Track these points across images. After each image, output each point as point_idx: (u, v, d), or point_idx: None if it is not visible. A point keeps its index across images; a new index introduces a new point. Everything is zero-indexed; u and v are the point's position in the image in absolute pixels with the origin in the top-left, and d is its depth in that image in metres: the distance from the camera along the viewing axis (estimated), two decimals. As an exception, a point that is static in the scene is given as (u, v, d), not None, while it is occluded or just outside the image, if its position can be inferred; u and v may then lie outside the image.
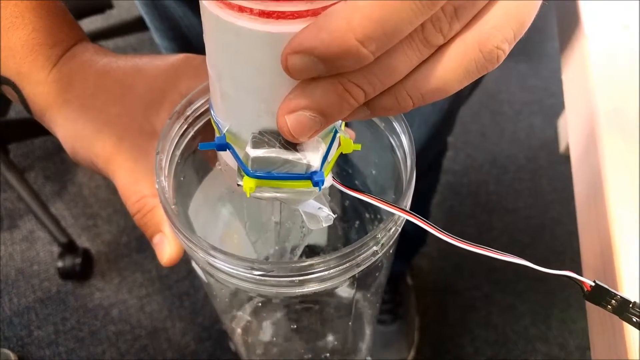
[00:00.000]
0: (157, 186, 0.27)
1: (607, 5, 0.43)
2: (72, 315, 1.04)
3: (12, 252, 1.12)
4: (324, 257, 0.24)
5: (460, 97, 0.60)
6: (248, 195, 0.23)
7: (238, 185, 0.23)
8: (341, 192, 0.38)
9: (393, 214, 0.26)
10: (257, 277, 0.24)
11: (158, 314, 1.04)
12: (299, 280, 0.24)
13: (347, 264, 0.25)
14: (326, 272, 0.24)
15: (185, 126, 0.29)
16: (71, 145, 0.31)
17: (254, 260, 0.24)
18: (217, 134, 0.24)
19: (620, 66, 0.40)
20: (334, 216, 0.26)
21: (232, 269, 0.25)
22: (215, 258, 0.25)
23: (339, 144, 0.25)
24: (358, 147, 0.25)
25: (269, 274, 0.24)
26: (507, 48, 0.19)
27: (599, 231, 0.34)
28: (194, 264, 0.30)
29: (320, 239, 0.38)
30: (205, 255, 0.25)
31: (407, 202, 0.27)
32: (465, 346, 1.01)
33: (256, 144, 0.21)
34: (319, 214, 0.25)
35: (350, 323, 0.42)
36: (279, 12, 0.18)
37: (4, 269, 1.09)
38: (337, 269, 0.25)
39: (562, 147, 1.24)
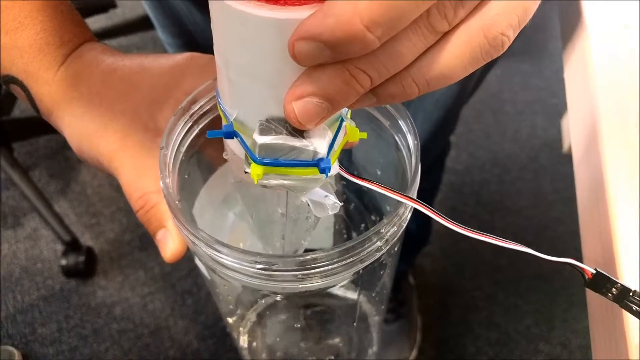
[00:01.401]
0: (161, 181, 0.27)
1: (610, 5, 0.43)
2: (75, 313, 1.04)
3: (16, 250, 1.12)
4: (328, 251, 0.24)
5: (463, 94, 0.60)
6: (255, 182, 0.23)
7: (245, 172, 0.23)
8: (345, 196, 0.38)
9: (396, 211, 0.26)
10: (260, 271, 0.25)
11: (161, 312, 1.04)
12: (302, 275, 0.24)
13: (351, 259, 0.25)
14: (330, 267, 0.24)
15: (190, 123, 0.29)
16: (77, 142, 0.31)
17: (257, 253, 0.24)
18: (224, 122, 0.24)
19: (623, 66, 0.40)
20: (340, 204, 0.26)
21: (236, 263, 0.25)
22: (218, 252, 0.25)
23: (345, 133, 0.25)
24: (364, 135, 0.25)
25: (272, 267, 0.24)
26: (512, 34, 0.19)
27: (600, 230, 0.34)
28: (196, 261, 0.30)
29: (325, 244, 0.38)
30: (208, 249, 0.25)
31: (413, 194, 0.27)
32: (467, 346, 1.01)
33: (263, 131, 0.22)
34: (325, 202, 0.25)
35: (355, 324, 0.42)
36: None
37: (7, 267, 1.10)
38: (341, 263, 0.25)
39: (565, 147, 1.24)
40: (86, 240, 1.13)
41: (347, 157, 0.34)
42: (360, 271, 0.27)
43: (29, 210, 1.16)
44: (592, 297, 0.35)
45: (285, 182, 0.23)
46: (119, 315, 1.04)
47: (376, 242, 0.25)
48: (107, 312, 1.04)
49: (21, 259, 1.11)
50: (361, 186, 0.25)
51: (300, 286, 0.25)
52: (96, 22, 1.33)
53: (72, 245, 1.07)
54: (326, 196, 0.25)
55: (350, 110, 0.25)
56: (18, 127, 1.17)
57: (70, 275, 1.08)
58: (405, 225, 0.27)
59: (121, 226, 1.15)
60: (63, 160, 1.24)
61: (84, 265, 1.06)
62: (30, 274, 1.09)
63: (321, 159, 0.22)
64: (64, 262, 1.06)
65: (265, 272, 0.25)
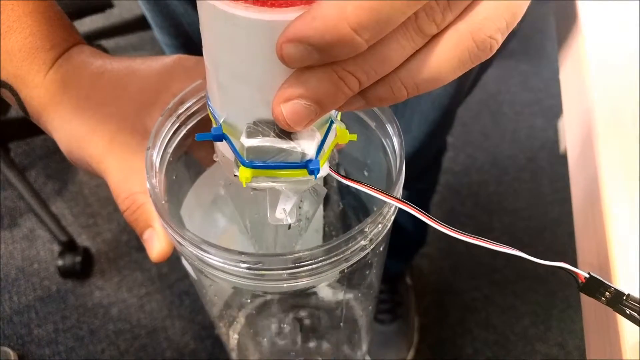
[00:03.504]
0: (147, 181, 0.27)
1: (606, 5, 0.43)
2: (72, 313, 1.04)
3: (13, 251, 1.12)
4: (312, 250, 0.24)
5: (459, 95, 0.60)
6: (244, 185, 0.23)
7: (235, 176, 0.23)
8: (337, 198, 0.38)
9: (380, 210, 0.25)
10: (246, 270, 0.25)
11: (158, 313, 1.04)
12: (287, 274, 0.25)
13: (335, 258, 0.25)
14: (314, 266, 0.24)
15: (177, 124, 0.29)
16: (67, 145, 0.31)
17: (243, 252, 0.24)
18: (213, 125, 0.24)
19: (618, 66, 0.40)
20: (292, 222, 0.26)
21: (221, 262, 0.25)
22: (204, 252, 0.25)
23: (335, 134, 0.25)
24: (354, 137, 0.25)
25: (256, 266, 0.24)
26: (500, 38, 0.19)
27: (595, 232, 0.34)
28: (183, 261, 0.30)
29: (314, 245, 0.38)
30: (194, 249, 0.25)
31: (398, 192, 0.27)
32: (464, 347, 1.01)
33: (251, 134, 0.22)
34: (278, 214, 0.25)
35: (341, 325, 0.42)
36: (273, 0, 0.18)
37: (4, 268, 1.10)
38: (326, 262, 0.25)
39: (562, 148, 1.24)
40: (83, 240, 1.13)
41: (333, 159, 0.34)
42: (346, 270, 0.27)
43: (26, 211, 1.16)
44: (586, 299, 0.35)
45: (274, 184, 0.23)
46: (115, 316, 1.04)
47: (360, 240, 0.25)
48: (104, 313, 1.04)
49: (18, 259, 1.11)
50: (350, 188, 0.25)
51: (285, 285, 0.25)
52: (93, 22, 1.33)
53: (69, 246, 1.07)
54: (283, 210, 0.25)
55: (340, 113, 0.25)
56: (14, 127, 1.17)
57: (67, 275, 1.07)
58: (390, 225, 0.27)
59: (118, 227, 1.15)
60: (60, 160, 1.24)
61: (81, 266, 1.06)
62: (26, 274, 1.09)
63: (310, 161, 0.22)
64: (60, 262, 1.06)
65: (251, 271, 0.25)
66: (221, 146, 0.25)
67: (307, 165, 0.22)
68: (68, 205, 1.18)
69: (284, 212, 0.25)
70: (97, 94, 0.31)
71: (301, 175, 0.23)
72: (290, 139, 0.22)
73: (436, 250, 1.10)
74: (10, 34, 0.30)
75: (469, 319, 1.03)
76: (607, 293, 0.24)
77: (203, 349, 1.00)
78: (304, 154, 0.22)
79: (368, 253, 0.27)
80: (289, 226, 0.28)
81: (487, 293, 1.06)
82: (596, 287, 0.24)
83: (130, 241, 1.13)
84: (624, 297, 0.24)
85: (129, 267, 1.10)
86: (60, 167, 1.23)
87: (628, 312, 0.24)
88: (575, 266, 0.25)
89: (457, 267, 1.10)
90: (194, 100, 0.29)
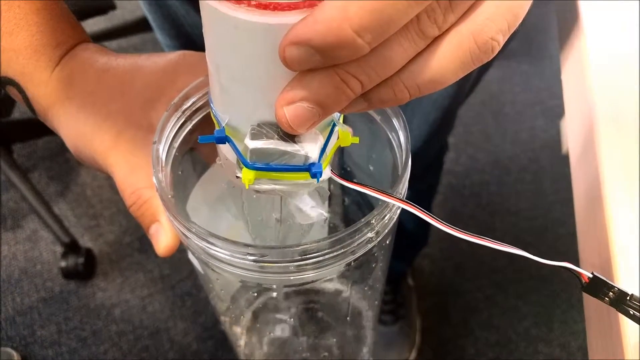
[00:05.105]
0: (153, 175, 0.27)
1: (607, 5, 0.43)
2: (74, 315, 1.04)
3: (16, 252, 1.12)
4: (319, 242, 0.24)
5: (460, 95, 0.60)
6: (247, 187, 0.23)
7: (237, 177, 0.23)
8: (341, 195, 0.38)
9: (386, 203, 0.26)
10: (252, 262, 0.25)
11: (160, 314, 1.04)
12: (294, 266, 0.25)
13: (342, 250, 0.25)
14: (320, 258, 0.24)
15: (183, 119, 0.29)
16: (73, 142, 0.31)
17: (249, 244, 0.24)
18: (216, 127, 0.24)
19: (620, 67, 0.40)
20: (327, 216, 0.26)
21: (228, 255, 0.25)
22: (211, 244, 0.25)
23: (338, 137, 0.25)
24: (356, 140, 0.25)
25: (263, 258, 0.24)
26: (502, 39, 0.20)
27: (597, 232, 0.34)
28: (189, 255, 0.30)
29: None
30: (201, 242, 0.25)
31: (403, 190, 0.27)
32: (466, 347, 1.00)
33: (255, 136, 0.22)
34: (311, 213, 0.25)
35: (348, 318, 0.42)
36: (276, 3, 0.18)
37: (7, 269, 1.10)
38: (332, 254, 0.25)
39: (564, 148, 1.24)
40: (85, 242, 1.13)
41: (339, 154, 0.34)
42: (353, 263, 0.27)
43: (29, 212, 1.16)
44: (589, 298, 0.35)
45: (276, 186, 0.23)
46: (118, 317, 1.04)
47: (367, 233, 0.25)
48: (107, 314, 1.04)
49: (20, 260, 1.11)
50: (355, 181, 0.25)
51: (292, 278, 0.25)
52: (96, 24, 1.33)
53: (72, 247, 1.07)
54: (313, 207, 0.25)
55: (342, 115, 0.25)
56: (18, 128, 1.17)
57: (70, 277, 1.08)
58: (396, 217, 0.27)
59: (121, 228, 1.15)
60: (63, 162, 1.24)
61: (83, 267, 1.07)
62: (29, 275, 1.09)
63: (313, 164, 0.22)
64: (63, 263, 1.06)
65: (257, 264, 0.25)
66: (224, 148, 0.25)
67: (310, 169, 0.22)
68: (71, 207, 1.18)
69: (313, 209, 0.25)
70: (103, 90, 0.31)
71: (303, 178, 0.23)
72: (294, 142, 0.22)
73: (438, 251, 1.10)
74: (17, 32, 0.31)
75: (471, 319, 1.03)
76: (611, 293, 0.24)
77: (205, 350, 1.00)
78: (307, 157, 0.22)
79: (374, 246, 0.27)
80: (296, 224, 0.28)
81: (489, 294, 1.06)
82: (600, 287, 0.24)
83: (132, 242, 1.13)
84: (628, 297, 0.24)
85: (132, 268, 1.10)
86: (63, 169, 1.24)
87: (631, 312, 0.24)
88: (578, 266, 0.25)
89: (459, 267, 1.10)
90: (199, 95, 0.29)
